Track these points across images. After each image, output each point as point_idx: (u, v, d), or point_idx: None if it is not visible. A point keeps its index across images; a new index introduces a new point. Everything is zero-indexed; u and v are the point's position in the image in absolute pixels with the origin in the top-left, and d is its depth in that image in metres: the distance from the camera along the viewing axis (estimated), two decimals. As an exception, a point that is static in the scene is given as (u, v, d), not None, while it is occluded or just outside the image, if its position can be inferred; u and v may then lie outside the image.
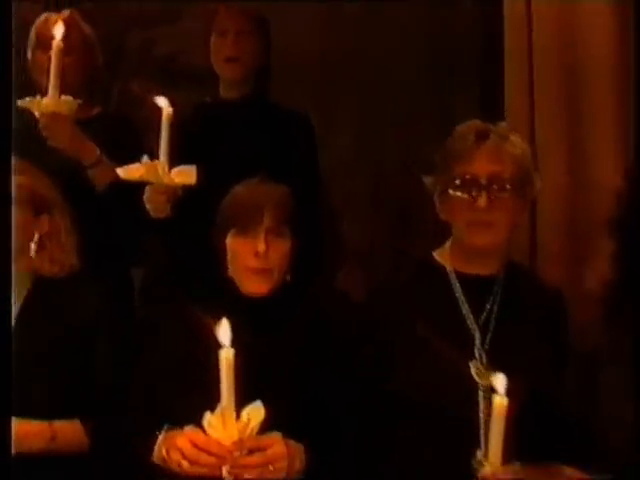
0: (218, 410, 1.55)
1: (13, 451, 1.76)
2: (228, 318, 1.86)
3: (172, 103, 2.16)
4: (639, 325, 2.17)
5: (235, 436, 1.54)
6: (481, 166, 1.82)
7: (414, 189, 3.50)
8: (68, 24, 2.51)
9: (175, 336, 1.92)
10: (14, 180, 1.95)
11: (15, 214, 1.95)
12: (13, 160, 1.99)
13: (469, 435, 1.72)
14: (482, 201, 1.79)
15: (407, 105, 3.55)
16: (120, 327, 2.04)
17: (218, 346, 1.58)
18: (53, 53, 2.17)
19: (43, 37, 2.52)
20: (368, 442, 1.82)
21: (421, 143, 3.55)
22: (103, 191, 2.31)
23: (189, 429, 1.63)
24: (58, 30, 2.19)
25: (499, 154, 1.82)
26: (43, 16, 2.60)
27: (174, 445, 1.64)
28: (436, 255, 1.99)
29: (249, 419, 1.55)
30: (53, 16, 2.58)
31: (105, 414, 1.92)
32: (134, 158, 2.28)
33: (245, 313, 1.86)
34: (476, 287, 1.91)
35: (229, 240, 1.95)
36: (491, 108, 3.49)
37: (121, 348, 2.01)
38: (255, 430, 1.56)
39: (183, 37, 3.51)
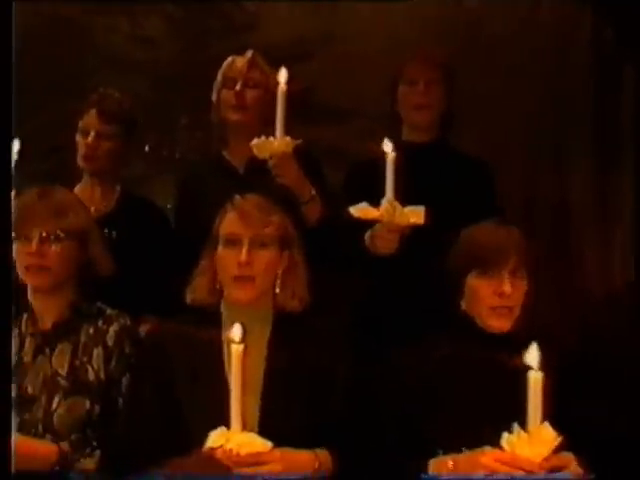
0: (516, 430, 1.70)
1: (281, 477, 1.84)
2: (466, 352, 2.01)
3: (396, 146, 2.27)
4: None
5: (544, 454, 1.67)
6: None
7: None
8: (252, 63, 2.68)
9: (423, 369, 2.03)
10: (272, 220, 2.04)
11: (269, 252, 2.04)
12: (262, 200, 2.09)
13: None
14: None
15: (522, 140, 3.69)
16: (358, 360, 2.11)
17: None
18: (279, 96, 2.29)
19: (229, 77, 2.70)
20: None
21: (538, 177, 3.71)
22: (314, 227, 2.41)
23: (489, 449, 1.76)
24: (282, 75, 2.31)
25: None
26: (230, 58, 2.73)
27: (478, 464, 1.76)
28: None
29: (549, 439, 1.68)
30: (237, 58, 2.72)
31: (351, 442, 1.99)
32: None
33: (485, 347, 2.01)
34: None
35: (471, 280, 2.04)
36: (602, 143, 3.66)
37: (361, 381, 2.08)
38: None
39: (315, 76, 3.65)
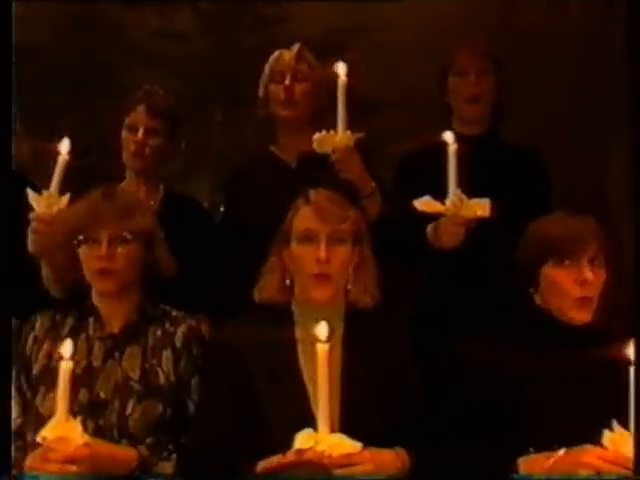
0: (617, 428, 1.71)
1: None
2: (547, 346, 1.97)
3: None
4: None
5: None
6: None
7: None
8: (299, 56, 2.65)
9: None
10: (348, 215, 2.01)
11: (345, 248, 2.01)
12: (335, 195, 2.06)
13: None
14: None
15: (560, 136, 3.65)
16: (429, 358, 2.09)
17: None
18: (339, 89, 2.25)
19: (277, 71, 2.65)
20: None
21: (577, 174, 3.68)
22: (374, 221, 2.37)
23: (590, 447, 1.74)
24: (341, 67, 2.27)
25: None
26: (277, 52, 2.68)
27: (580, 463, 1.73)
28: None
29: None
30: (285, 51, 2.68)
31: (429, 440, 1.96)
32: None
33: (566, 340, 1.98)
34: None
35: (547, 271, 2.01)
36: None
37: (437, 377, 2.06)
38: None
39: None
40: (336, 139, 2.26)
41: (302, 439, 1.75)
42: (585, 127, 3.62)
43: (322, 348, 1.75)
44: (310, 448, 1.73)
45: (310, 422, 1.82)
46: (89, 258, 2.06)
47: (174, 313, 2.16)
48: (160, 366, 2.07)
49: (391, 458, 1.89)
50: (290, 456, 1.75)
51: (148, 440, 2.00)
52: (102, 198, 2.10)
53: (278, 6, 3.60)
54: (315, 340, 1.75)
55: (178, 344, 2.10)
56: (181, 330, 2.12)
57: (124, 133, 2.63)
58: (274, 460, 1.78)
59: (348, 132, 2.27)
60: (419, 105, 3.49)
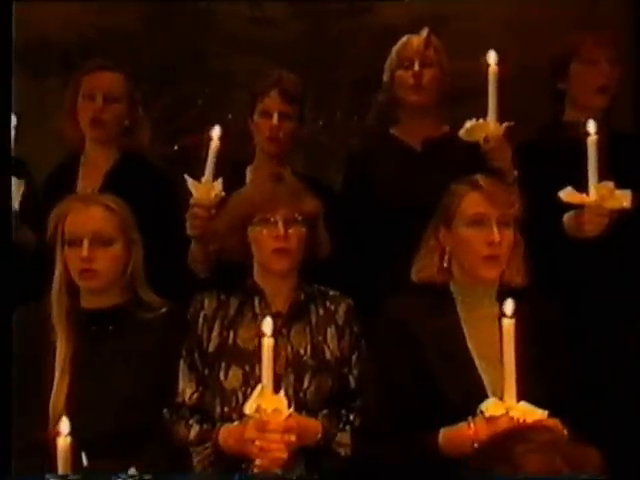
0: None
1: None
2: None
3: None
4: None
5: None
6: None
7: None
8: (428, 42, 2.71)
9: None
10: (514, 200, 2.11)
11: (511, 232, 2.10)
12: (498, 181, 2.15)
13: None
14: None
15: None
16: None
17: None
18: (490, 77, 2.31)
19: (405, 57, 2.69)
20: None
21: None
22: None
23: None
24: (492, 56, 2.33)
25: None
26: (405, 37, 2.73)
27: None
28: None
29: None
30: (413, 37, 2.72)
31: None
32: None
33: None
34: None
35: None
36: None
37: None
38: None
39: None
40: (489, 128, 2.32)
41: (491, 407, 1.86)
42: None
43: (508, 323, 1.86)
44: (502, 415, 1.82)
45: (481, 393, 1.96)
46: (265, 238, 2.14)
47: (331, 292, 2.25)
48: (326, 342, 2.17)
49: (561, 427, 1.95)
50: (481, 425, 1.85)
51: (323, 412, 2.10)
52: (274, 181, 2.17)
53: (365, -7, 3.63)
54: (501, 315, 1.87)
55: (340, 322, 2.20)
56: (342, 309, 2.22)
57: (257, 118, 2.66)
58: (464, 429, 1.89)
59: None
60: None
